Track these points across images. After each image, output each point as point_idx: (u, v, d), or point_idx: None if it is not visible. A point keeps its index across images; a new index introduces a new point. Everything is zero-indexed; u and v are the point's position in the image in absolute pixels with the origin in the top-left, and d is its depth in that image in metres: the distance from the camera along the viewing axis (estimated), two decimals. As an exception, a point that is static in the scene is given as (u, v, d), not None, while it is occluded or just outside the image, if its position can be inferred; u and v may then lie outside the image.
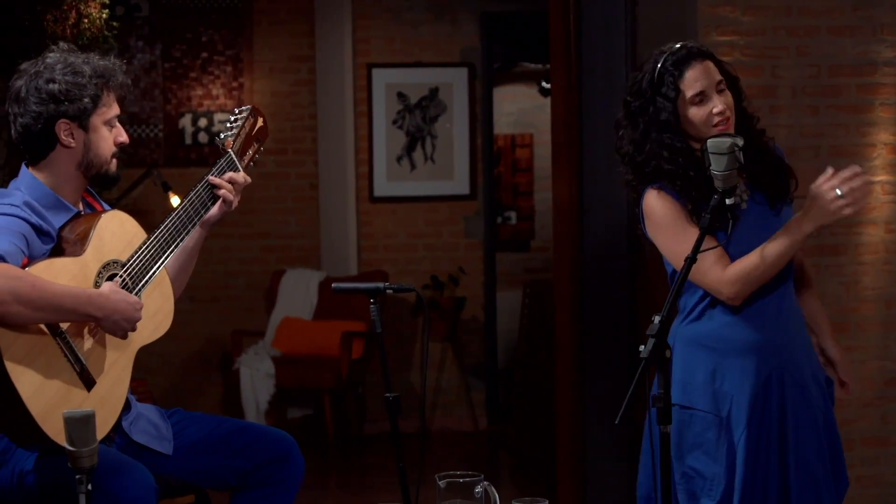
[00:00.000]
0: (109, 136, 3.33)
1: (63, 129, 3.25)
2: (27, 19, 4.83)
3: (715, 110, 3.32)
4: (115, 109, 3.35)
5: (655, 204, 3.40)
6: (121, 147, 3.37)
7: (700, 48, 3.39)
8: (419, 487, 3.43)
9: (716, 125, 3.32)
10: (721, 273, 3.31)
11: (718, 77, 3.35)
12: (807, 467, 3.35)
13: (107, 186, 3.43)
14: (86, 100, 3.26)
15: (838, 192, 3.15)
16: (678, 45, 3.39)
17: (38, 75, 3.25)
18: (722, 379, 3.38)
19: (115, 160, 3.36)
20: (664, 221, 3.40)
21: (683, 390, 3.39)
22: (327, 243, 8.53)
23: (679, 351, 3.42)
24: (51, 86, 3.23)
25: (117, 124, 3.36)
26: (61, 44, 3.37)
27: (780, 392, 3.36)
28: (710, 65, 3.36)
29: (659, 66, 3.37)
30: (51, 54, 3.30)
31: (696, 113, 3.34)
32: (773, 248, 3.27)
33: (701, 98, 3.34)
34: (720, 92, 3.35)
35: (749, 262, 3.30)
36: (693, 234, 3.24)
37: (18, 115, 3.26)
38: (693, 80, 3.34)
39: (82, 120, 3.27)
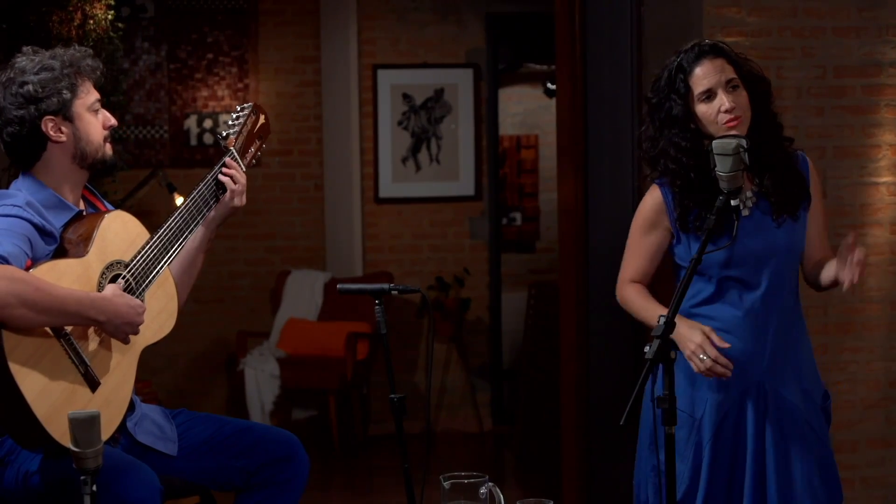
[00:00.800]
0: (96, 121, 3.33)
1: (50, 125, 3.25)
2: (33, 21, 4.84)
3: (722, 108, 3.32)
4: (95, 94, 3.35)
5: (646, 200, 3.49)
6: (111, 130, 3.38)
7: (714, 45, 3.38)
8: (424, 488, 3.44)
9: (725, 123, 3.31)
10: (626, 283, 3.56)
11: (730, 76, 3.34)
12: (788, 482, 3.35)
13: (106, 173, 3.43)
14: (63, 91, 3.26)
15: (703, 357, 3.27)
16: (692, 43, 3.40)
17: (11, 82, 3.25)
18: (701, 382, 3.40)
19: (108, 144, 3.37)
20: (638, 221, 3.52)
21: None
22: (332, 244, 8.53)
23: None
24: (25, 88, 3.23)
25: (101, 108, 3.36)
26: (24, 48, 3.37)
27: (759, 405, 3.36)
28: (722, 62, 3.35)
29: (675, 63, 3.38)
30: (17, 60, 3.30)
31: (703, 110, 3.35)
32: (653, 317, 3.36)
33: (708, 95, 3.34)
34: (732, 90, 3.33)
35: (642, 306, 3.50)
36: (645, 250, 3.49)
37: (2, 125, 3.26)
38: (701, 77, 3.34)
39: (65, 111, 3.27)
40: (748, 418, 3.36)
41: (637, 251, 3.55)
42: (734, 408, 3.37)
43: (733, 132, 3.29)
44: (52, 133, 3.26)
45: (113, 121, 3.39)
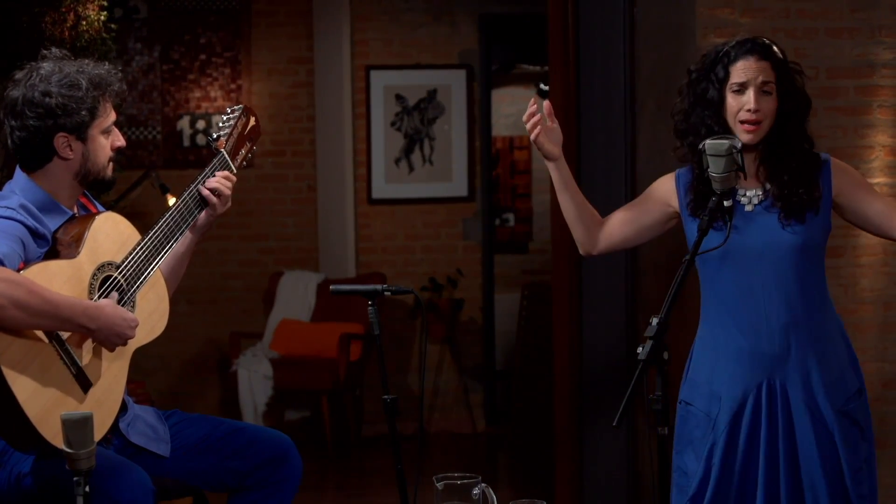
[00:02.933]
0: (107, 143, 3.32)
1: (61, 142, 3.24)
2: (25, 21, 4.82)
3: (746, 106, 3.33)
4: (112, 116, 3.33)
5: (661, 179, 3.56)
6: (117, 150, 3.37)
7: (767, 47, 3.38)
8: (417, 489, 3.44)
9: (743, 122, 3.33)
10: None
11: (768, 79, 3.34)
12: (798, 486, 3.35)
13: (103, 190, 3.42)
14: (83, 112, 3.24)
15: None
16: (749, 36, 3.42)
17: (34, 88, 3.22)
18: (718, 380, 3.41)
19: (111, 164, 3.36)
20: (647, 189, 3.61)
21: (690, 387, 3.47)
22: (325, 245, 8.53)
23: (694, 348, 3.49)
24: (47, 100, 3.20)
25: (114, 129, 3.35)
26: (54, 50, 3.34)
27: (772, 403, 3.36)
28: (766, 65, 3.34)
29: (724, 47, 3.41)
30: (45, 64, 3.27)
31: (731, 102, 3.37)
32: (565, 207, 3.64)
33: (740, 88, 3.35)
34: (763, 94, 3.34)
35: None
36: (634, 207, 3.59)
37: (15, 128, 3.24)
38: (741, 69, 3.35)
39: (80, 132, 3.25)
40: (762, 417, 3.36)
41: (629, 203, 3.65)
42: (748, 405, 3.37)
43: (746, 136, 3.31)
44: (61, 150, 3.25)
45: (121, 142, 3.37)
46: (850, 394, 3.41)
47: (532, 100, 3.47)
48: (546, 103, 3.51)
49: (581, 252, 3.67)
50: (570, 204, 3.58)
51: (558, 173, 3.56)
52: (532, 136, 3.48)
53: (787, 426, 3.35)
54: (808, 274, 3.39)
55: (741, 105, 3.34)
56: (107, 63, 3.40)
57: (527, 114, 3.47)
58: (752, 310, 3.37)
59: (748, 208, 3.38)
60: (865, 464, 3.40)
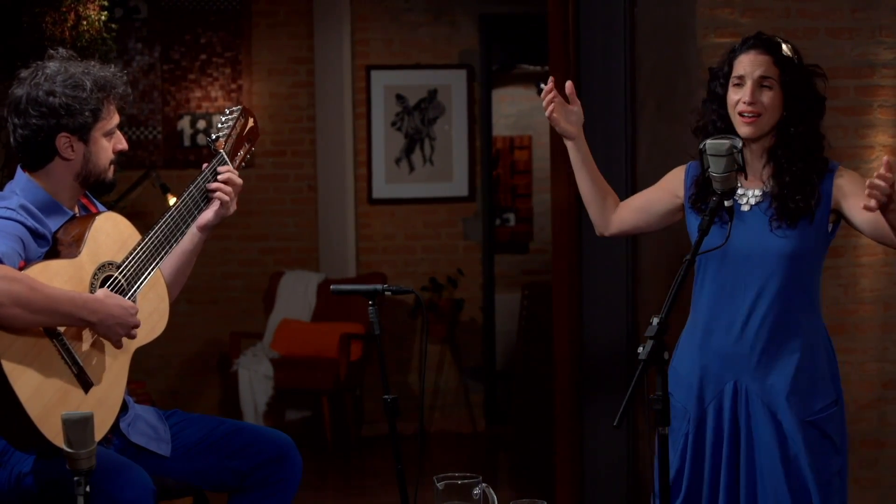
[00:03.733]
0: (109, 145, 3.32)
1: (63, 142, 3.24)
2: (26, 21, 4.82)
3: (743, 99, 3.35)
4: (115, 119, 3.34)
5: (673, 170, 3.60)
6: (119, 154, 3.37)
7: (770, 42, 3.40)
8: (417, 489, 3.44)
9: (741, 113, 3.35)
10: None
11: (768, 74, 3.36)
12: (754, 484, 3.36)
13: (103, 193, 3.42)
14: (86, 114, 3.24)
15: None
16: (756, 32, 3.45)
17: (38, 87, 3.22)
18: (693, 375, 3.45)
19: (112, 167, 3.36)
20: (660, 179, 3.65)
21: (672, 377, 3.45)
22: (326, 245, 8.53)
23: (679, 339, 3.55)
24: (51, 99, 3.21)
25: (116, 132, 3.35)
26: (61, 50, 3.34)
27: (737, 403, 3.37)
28: (767, 59, 3.37)
29: (736, 44, 3.45)
30: (50, 63, 3.27)
31: (731, 95, 3.40)
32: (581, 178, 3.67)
33: (739, 82, 3.38)
34: (762, 88, 3.35)
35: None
36: (649, 193, 3.64)
37: (18, 126, 3.24)
38: (742, 62, 3.39)
39: (83, 133, 3.26)
40: (724, 419, 3.39)
41: (644, 191, 3.70)
42: (710, 406, 3.42)
43: (744, 128, 3.33)
44: (63, 150, 3.25)
45: (123, 145, 3.37)
46: (822, 405, 3.38)
47: (551, 77, 3.54)
48: (569, 83, 3.53)
49: (596, 231, 3.72)
50: (587, 183, 3.63)
51: (576, 152, 3.60)
52: (547, 113, 3.52)
53: (748, 431, 3.37)
54: (796, 280, 3.38)
55: (738, 98, 3.37)
56: (112, 66, 3.40)
57: (545, 90, 3.51)
58: (732, 310, 3.39)
59: (744, 208, 3.38)
60: (837, 477, 3.39)
